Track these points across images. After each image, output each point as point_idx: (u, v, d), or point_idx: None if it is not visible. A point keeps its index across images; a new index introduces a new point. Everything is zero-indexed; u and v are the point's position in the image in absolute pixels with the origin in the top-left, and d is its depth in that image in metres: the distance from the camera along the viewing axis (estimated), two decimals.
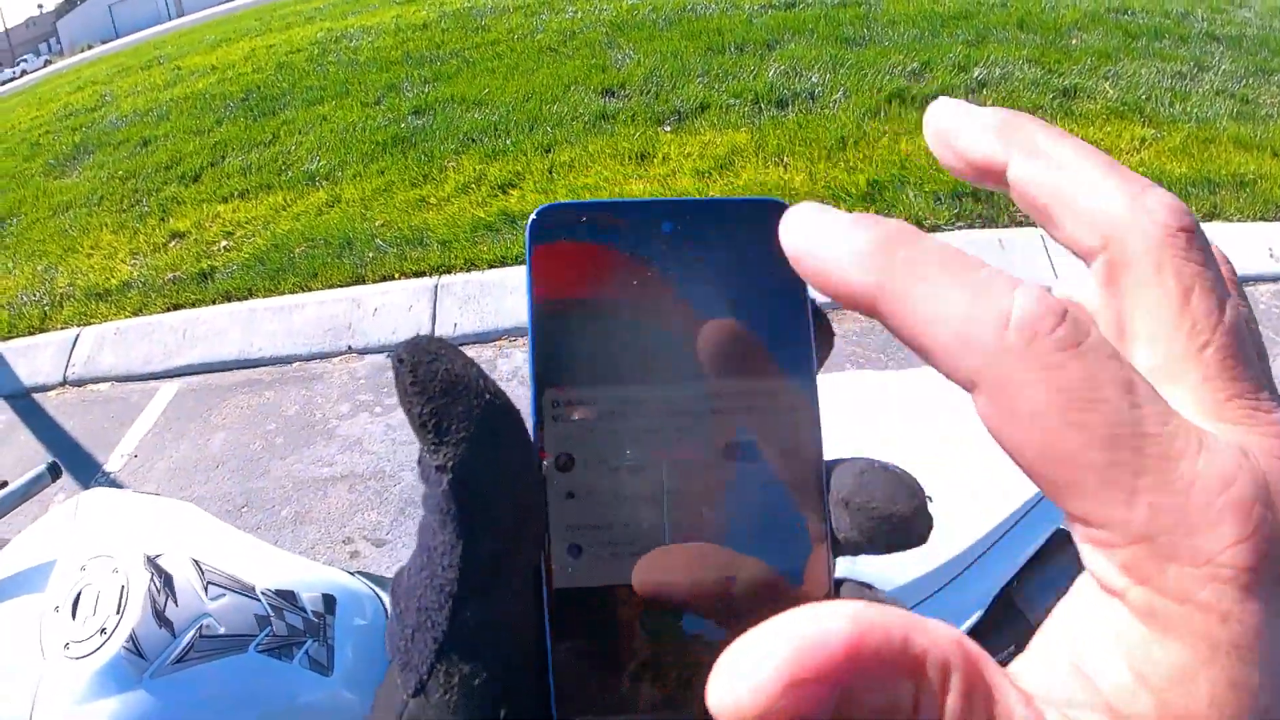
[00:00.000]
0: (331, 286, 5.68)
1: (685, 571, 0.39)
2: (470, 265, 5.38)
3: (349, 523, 3.88)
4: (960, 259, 0.29)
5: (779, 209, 0.38)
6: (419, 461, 0.37)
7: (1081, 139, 0.33)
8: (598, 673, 0.39)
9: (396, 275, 5.55)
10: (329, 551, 3.71)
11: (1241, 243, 6.05)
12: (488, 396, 0.37)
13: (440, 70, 9.35)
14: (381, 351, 5.04)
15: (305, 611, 1.74)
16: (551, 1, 11.22)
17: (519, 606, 0.38)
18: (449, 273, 5.43)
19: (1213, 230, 5.94)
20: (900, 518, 0.39)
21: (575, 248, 0.40)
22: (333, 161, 7.55)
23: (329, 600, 1.79)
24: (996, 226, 5.72)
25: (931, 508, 0.40)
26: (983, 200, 5.89)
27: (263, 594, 1.69)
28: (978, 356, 0.27)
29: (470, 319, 5.01)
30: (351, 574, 2.00)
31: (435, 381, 0.36)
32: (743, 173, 5.89)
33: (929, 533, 0.40)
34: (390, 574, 3.47)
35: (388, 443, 4.36)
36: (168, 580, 1.59)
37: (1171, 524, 0.25)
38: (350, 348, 5.19)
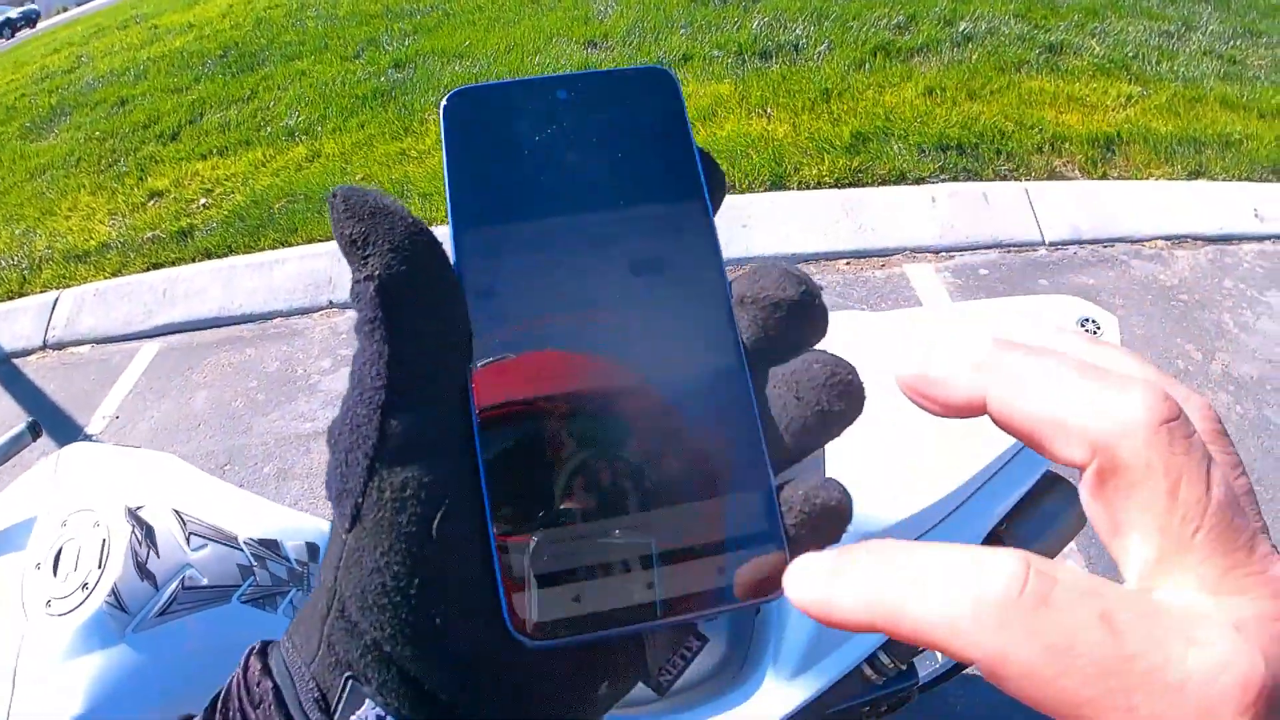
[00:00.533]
0: (312, 241, 5.66)
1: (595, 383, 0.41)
2: None
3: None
4: (931, 560, 0.31)
5: (661, 75, 0.46)
6: (351, 287, 0.39)
7: (1051, 340, 0.36)
8: (532, 486, 0.39)
9: None
10: (312, 507, 3.69)
11: (1227, 202, 6.08)
12: (410, 220, 0.40)
13: (421, 23, 9.28)
14: None
15: (289, 560, 1.74)
16: None
17: (450, 419, 0.39)
18: (430, 225, 5.34)
19: (1198, 189, 5.97)
20: (791, 302, 0.41)
21: (484, 119, 0.43)
22: (312, 117, 7.51)
23: (312, 549, 1.79)
24: (981, 179, 5.71)
25: (831, 308, 0.43)
26: (967, 154, 5.87)
27: (245, 544, 1.69)
28: (966, 640, 0.29)
29: None
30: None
31: (364, 208, 0.39)
32: (725, 124, 5.87)
33: (824, 321, 0.42)
34: None
35: None
36: (149, 532, 1.59)
37: None
38: (331, 302, 5.17)
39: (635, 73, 0.45)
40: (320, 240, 5.62)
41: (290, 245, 5.66)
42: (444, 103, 0.43)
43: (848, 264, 4.94)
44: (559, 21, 8.16)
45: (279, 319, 5.19)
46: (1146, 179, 6.16)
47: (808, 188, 5.37)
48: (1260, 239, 5.85)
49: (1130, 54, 8.05)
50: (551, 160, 0.43)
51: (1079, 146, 6.26)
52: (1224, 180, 6.31)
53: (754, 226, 4.88)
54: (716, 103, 6.19)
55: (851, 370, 0.40)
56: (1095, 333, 1.85)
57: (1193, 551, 0.29)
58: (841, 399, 0.40)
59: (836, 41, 7.31)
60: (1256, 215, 5.97)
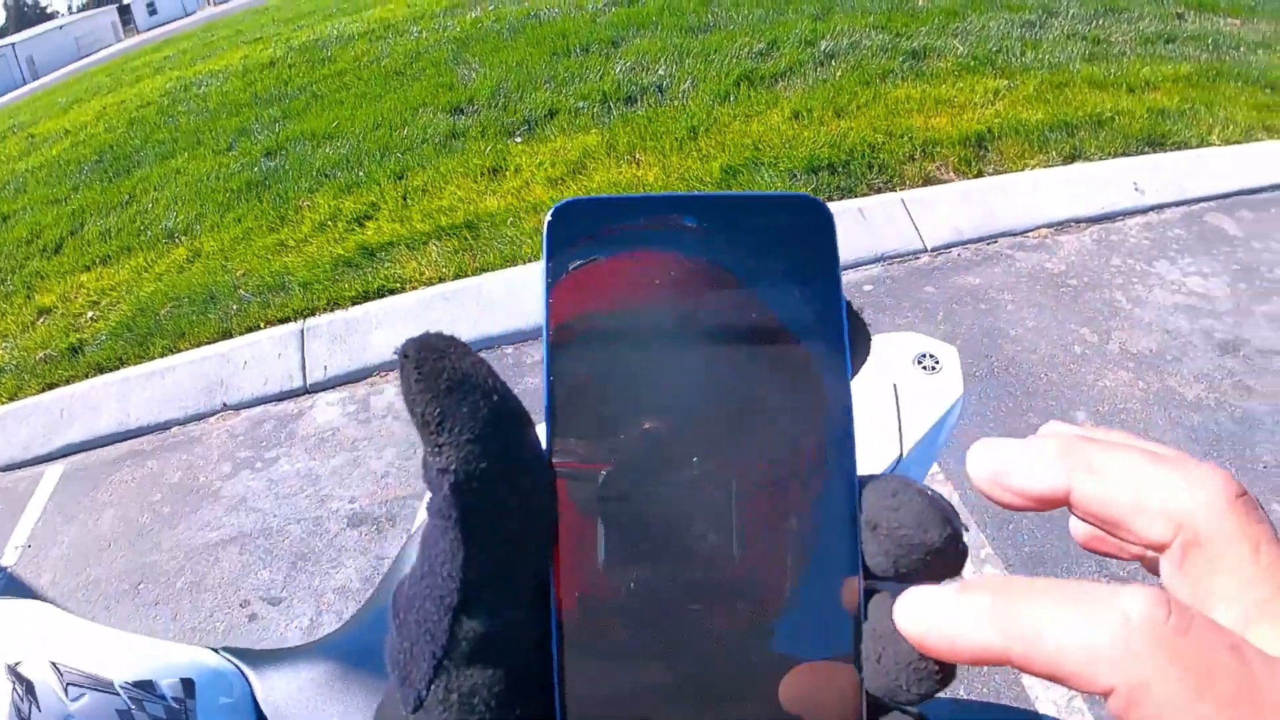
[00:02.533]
0: (199, 345, 5.55)
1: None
2: (334, 305, 5.30)
3: (243, 585, 3.81)
4: (1063, 587, 0.32)
5: (811, 206, 0.41)
6: (423, 464, 0.36)
7: (1111, 435, 0.38)
8: (609, 684, 0.37)
9: (262, 325, 5.44)
10: (227, 617, 3.64)
11: (1107, 180, 6.17)
12: (495, 397, 0.36)
13: (289, 108, 9.23)
14: (255, 405, 4.95)
15: (165, 699, 1.70)
16: (395, 24, 11.13)
17: (523, 616, 0.37)
18: (313, 315, 5.35)
19: (1076, 172, 6.12)
20: (931, 547, 0.37)
21: (592, 238, 0.39)
22: (190, 215, 7.40)
23: (188, 684, 1.76)
24: (855, 196, 5.76)
25: (966, 537, 0.39)
26: (839, 172, 5.92)
27: (121, 687, 1.65)
28: (1109, 668, 0.29)
29: (340, 359, 4.94)
30: (215, 650, 1.97)
31: (440, 379, 0.35)
32: (595, 174, 5.88)
33: (962, 564, 0.38)
34: (286, 634, 3.44)
35: (271, 497, 4.28)
36: (29, 688, 1.55)
37: None
38: (225, 405, 5.08)
39: (779, 200, 0.41)
40: (207, 343, 5.53)
41: (179, 351, 5.55)
42: (548, 217, 0.40)
43: None
44: (424, 91, 8.14)
45: (176, 427, 5.08)
46: (1023, 170, 6.23)
47: None
48: (1143, 211, 5.97)
49: (994, 49, 8.19)
50: (667, 298, 0.39)
51: (951, 148, 6.32)
52: (1100, 160, 6.40)
53: None
54: (585, 154, 6.19)
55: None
56: (935, 367, 1.85)
57: (1278, 609, 0.32)
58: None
59: (700, 77, 7.37)
60: (1136, 189, 6.08)
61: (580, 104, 7.03)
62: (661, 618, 0.37)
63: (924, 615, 0.34)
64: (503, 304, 4.69)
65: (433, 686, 0.35)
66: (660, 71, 7.47)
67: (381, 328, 4.88)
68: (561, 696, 0.37)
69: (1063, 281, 5.00)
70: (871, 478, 0.39)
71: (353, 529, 3.84)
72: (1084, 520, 0.37)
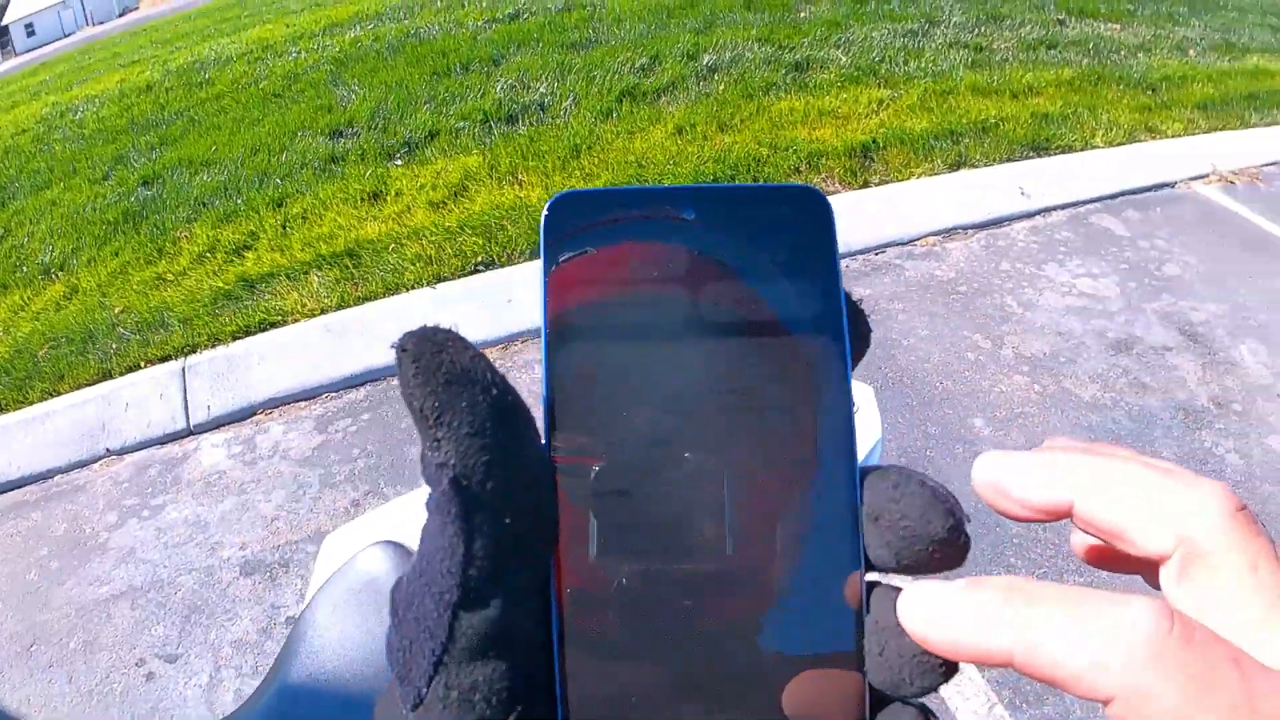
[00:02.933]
0: (79, 387, 5.39)
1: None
2: (215, 340, 5.18)
3: (138, 642, 3.70)
4: (1071, 593, 0.32)
5: (810, 196, 0.41)
6: (421, 459, 0.36)
7: (1111, 449, 0.38)
8: (611, 681, 0.38)
9: (143, 364, 5.30)
10: (124, 678, 3.53)
11: (994, 186, 6.31)
12: (494, 391, 0.36)
13: (166, 134, 9.01)
14: (139, 449, 4.81)
15: None
16: (274, 45, 10.95)
17: (523, 612, 0.36)
18: (195, 352, 5.23)
19: (961, 179, 6.26)
20: (934, 538, 0.37)
21: (589, 230, 0.40)
22: (66, 249, 7.18)
23: None
24: None
25: (968, 527, 0.39)
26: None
27: None
28: (1112, 676, 0.30)
29: (223, 398, 4.83)
30: None
31: (439, 373, 0.35)
32: (478, 197, 5.83)
33: (965, 555, 0.38)
34: (186, 693, 3.37)
35: (160, 547, 4.18)
36: None
37: None
38: (108, 450, 4.93)
39: (777, 191, 0.41)
40: (88, 384, 5.38)
41: (59, 394, 5.39)
42: (545, 211, 0.40)
43: None
44: (303, 114, 8.01)
45: (59, 475, 4.92)
46: (909, 179, 6.33)
47: None
48: (1030, 215, 6.13)
49: (877, 59, 8.32)
50: (665, 291, 0.39)
51: (836, 160, 6.38)
52: (986, 166, 6.54)
53: (518, 300, 4.85)
54: (466, 176, 6.13)
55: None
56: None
57: (1276, 621, 0.33)
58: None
59: (582, 94, 7.36)
60: (1023, 193, 6.24)
61: (461, 124, 6.98)
62: (662, 613, 0.38)
63: (928, 613, 0.35)
64: (387, 335, 4.62)
65: (432, 684, 0.35)
66: (542, 89, 7.45)
67: (264, 363, 4.79)
68: (563, 692, 0.37)
69: (953, 289, 5.09)
70: (873, 468, 0.39)
71: (246, 577, 3.76)
72: (1085, 531, 0.38)
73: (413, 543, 1.29)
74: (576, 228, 0.39)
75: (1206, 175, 7.34)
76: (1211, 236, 6.48)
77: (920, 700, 0.38)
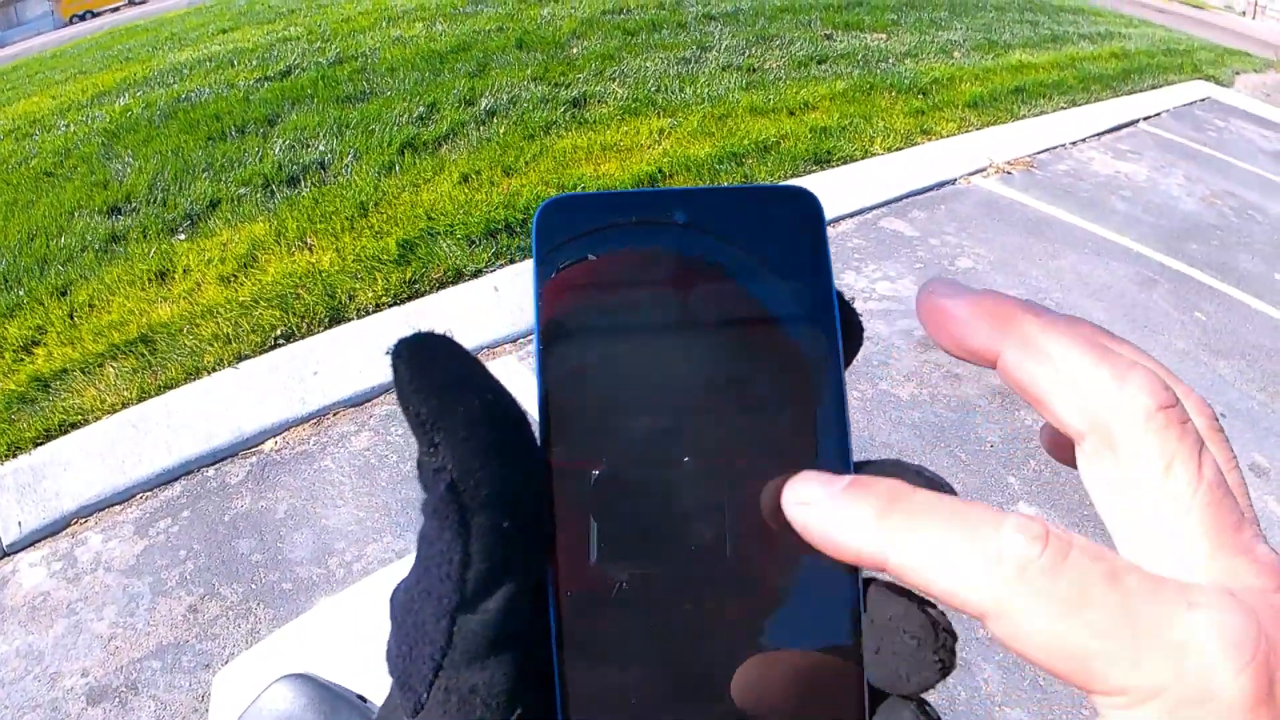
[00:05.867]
0: None
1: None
2: (15, 450, 4.89)
3: None
4: (950, 509, 0.33)
5: (801, 197, 0.41)
6: (418, 464, 0.36)
7: (1067, 318, 0.37)
8: (610, 680, 0.38)
9: None
10: None
11: None
12: (490, 395, 0.36)
13: None
14: None
15: None
16: (41, 119, 10.50)
17: (522, 615, 0.36)
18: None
19: None
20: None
21: (583, 236, 0.39)
22: None
23: None
24: None
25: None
26: (516, 233, 6.01)
27: None
28: (981, 593, 0.31)
29: (33, 512, 4.54)
30: None
31: (435, 377, 0.35)
32: (268, 267, 5.67)
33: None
34: None
35: None
36: None
37: (1174, 676, 0.29)
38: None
39: (767, 192, 0.41)
40: None
41: None
42: (535, 218, 0.40)
43: None
44: (78, 192, 7.63)
45: None
46: None
47: (368, 314, 5.27)
48: (836, 220, 6.51)
49: (654, 88, 8.45)
50: (658, 294, 0.39)
51: None
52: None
53: (324, 372, 4.76)
54: (254, 245, 5.95)
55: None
56: None
57: (1183, 532, 0.32)
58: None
59: (362, 149, 7.29)
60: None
61: (243, 191, 6.78)
62: (659, 613, 0.38)
63: (809, 507, 0.36)
64: (193, 425, 4.50)
65: (432, 689, 0.35)
66: (321, 147, 7.32)
67: (71, 469, 4.57)
68: (562, 694, 0.37)
69: None
70: (867, 463, 0.40)
71: (94, 707, 3.52)
72: (1009, 385, 0.38)
73: (320, 671, 1.26)
74: (566, 234, 0.39)
75: (984, 169, 7.79)
76: (997, 226, 6.92)
77: (919, 695, 0.39)
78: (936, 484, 0.37)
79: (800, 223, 0.41)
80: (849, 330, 0.42)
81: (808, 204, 0.41)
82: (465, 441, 0.34)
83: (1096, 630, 0.30)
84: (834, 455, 0.39)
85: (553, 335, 0.38)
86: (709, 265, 0.39)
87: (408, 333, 0.36)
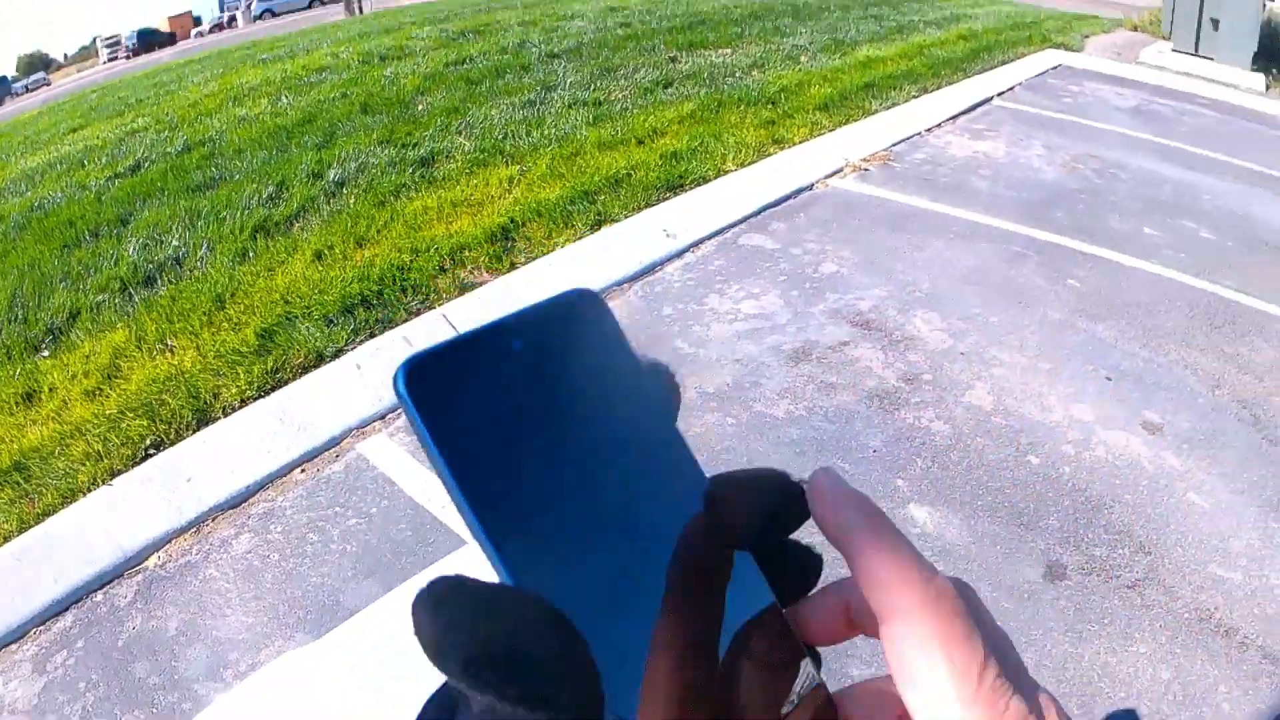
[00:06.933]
0: None
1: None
2: None
3: None
4: (897, 552, 0.41)
5: (587, 296, 0.47)
6: (468, 705, 0.36)
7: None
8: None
9: None
10: None
11: (637, 234, 6.56)
12: (540, 620, 0.37)
13: None
14: None
15: None
16: None
17: None
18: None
19: (605, 235, 6.47)
20: (774, 513, 0.46)
21: (448, 385, 0.40)
22: None
23: None
24: (396, 325, 5.83)
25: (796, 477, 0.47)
26: (374, 305, 5.99)
27: None
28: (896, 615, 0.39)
29: None
30: None
31: (479, 629, 0.35)
32: (132, 375, 5.58)
33: (807, 512, 0.45)
34: None
35: None
36: None
37: None
38: None
39: (560, 301, 0.46)
40: None
41: None
42: (398, 383, 0.39)
43: (303, 472, 4.79)
44: None
45: None
46: (553, 250, 6.46)
47: (234, 410, 5.18)
48: (680, 254, 6.47)
49: (500, 136, 8.49)
50: (531, 408, 0.42)
51: (479, 248, 6.47)
52: (627, 218, 6.81)
53: (197, 477, 4.70)
54: (116, 354, 5.82)
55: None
56: None
57: (960, 698, 0.37)
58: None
59: (215, 238, 7.20)
60: (667, 234, 6.54)
61: (101, 297, 6.64)
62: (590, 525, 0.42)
63: (830, 488, 0.44)
64: (73, 550, 4.41)
65: None
66: (174, 242, 7.23)
67: None
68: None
69: None
70: (714, 477, 0.47)
71: None
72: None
73: None
74: (434, 386, 0.40)
75: (840, 169, 7.95)
76: (858, 225, 6.99)
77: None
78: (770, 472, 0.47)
79: (591, 315, 0.47)
80: (669, 385, 0.48)
81: (590, 299, 0.47)
82: (518, 700, 0.34)
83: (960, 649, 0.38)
84: (690, 470, 0.47)
85: (464, 478, 0.39)
86: (551, 376, 0.44)
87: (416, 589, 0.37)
